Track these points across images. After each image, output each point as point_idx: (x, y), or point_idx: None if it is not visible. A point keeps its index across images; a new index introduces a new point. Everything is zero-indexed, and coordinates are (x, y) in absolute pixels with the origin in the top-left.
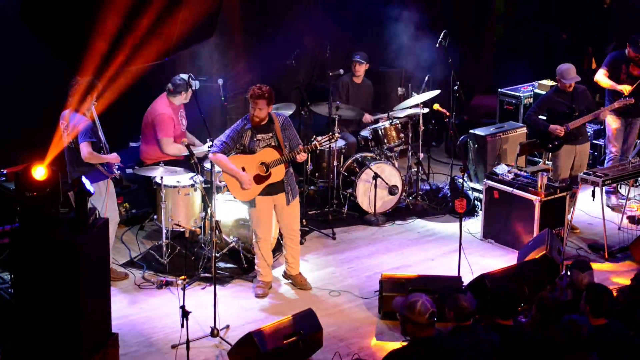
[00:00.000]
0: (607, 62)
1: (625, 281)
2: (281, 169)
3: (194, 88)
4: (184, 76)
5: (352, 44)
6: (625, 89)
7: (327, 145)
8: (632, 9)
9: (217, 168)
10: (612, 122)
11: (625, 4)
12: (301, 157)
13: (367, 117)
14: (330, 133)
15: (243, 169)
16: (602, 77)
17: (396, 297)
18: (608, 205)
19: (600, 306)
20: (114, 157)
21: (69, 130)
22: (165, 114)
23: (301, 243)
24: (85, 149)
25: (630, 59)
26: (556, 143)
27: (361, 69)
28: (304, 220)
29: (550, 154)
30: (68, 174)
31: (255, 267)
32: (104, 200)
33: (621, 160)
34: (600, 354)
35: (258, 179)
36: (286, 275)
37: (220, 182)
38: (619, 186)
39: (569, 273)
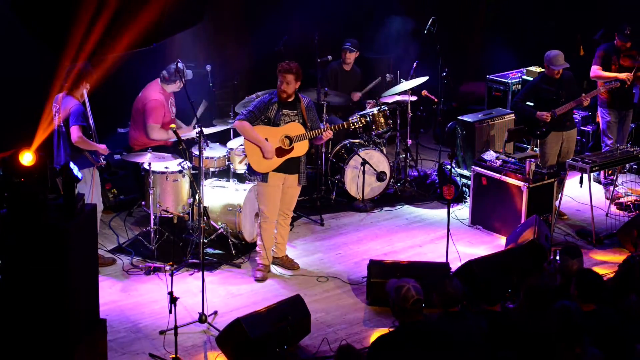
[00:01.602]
0: (598, 57)
1: (613, 267)
2: (304, 145)
3: (188, 78)
4: (180, 65)
5: (341, 31)
6: (628, 77)
7: (357, 126)
8: None
9: (206, 154)
10: (607, 115)
11: None
12: (327, 134)
13: (356, 95)
14: (360, 116)
15: (266, 140)
16: (599, 72)
17: (391, 279)
18: (607, 198)
19: (590, 292)
20: (102, 148)
21: (60, 113)
22: (158, 101)
23: (290, 229)
24: (75, 132)
25: (618, 49)
26: (543, 129)
27: (351, 56)
28: None
29: (538, 140)
30: (55, 157)
31: (257, 248)
32: (90, 188)
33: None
34: (590, 339)
35: (279, 152)
36: (273, 259)
37: (239, 151)
38: (615, 178)
39: (557, 258)
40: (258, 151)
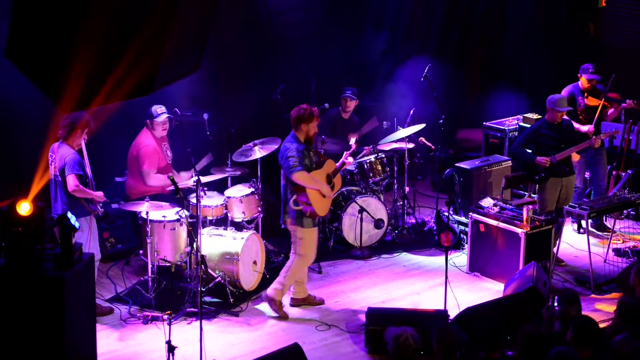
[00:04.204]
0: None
1: (611, 314)
2: (339, 178)
3: (158, 120)
4: (155, 107)
5: (338, 78)
6: (589, 131)
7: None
8: (619, 44)
9: (203, 202)
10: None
11: (612, 39)
12: (349, 162)
13: (353, 137)
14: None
15: None
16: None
17: (389, 327)
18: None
19: (587, 338)
20: (99, 195)
21: (56, 162)
22: (150, 146)
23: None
24: (72, 181)
25: (585, 89)
26: (542, 175)
27: (352, 104)
28: (290, 255)
29: (537, 186)
30: (52, 207)
31: (288, 286)
32: (87, 236)
33: (599, 192)
34: None
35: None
36: (297, 301)
37: (295, 205)
38: (604, 219)
39: (556, 304)
40: (317, 197)
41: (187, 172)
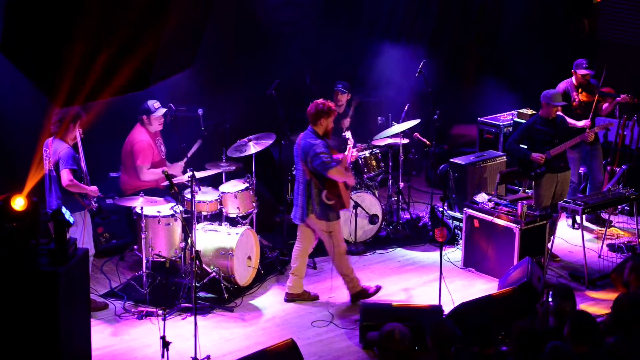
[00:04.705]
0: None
1: (606, 309)
2: (350, 172)
3: (156, 114)
4: (151, 102)
5: (332, 74)
6: (586, 126)
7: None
8: (614, 39)
9: (198, 197)
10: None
11: (607, 35)
12: (354, 156)
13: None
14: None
15: None
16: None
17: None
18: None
19: (584, 333)
20: (93, 189)
21: (50, 157)
22: (144, 141)
23: (282, 272)
24: (66, 175)
25: (579, 85)
26: (538, 171)
27: (343, 98)
28: (284, 250)
29: (532, 182)
30: (47, 202)
31: (352, 275)
32: (82, 231)
33: (595, 187)
34: None
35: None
36: (292, 296)
37: (327, 200)
38: (608, 219)
39: (550, 299)
40: (343, 190)
41: (180, 162)
